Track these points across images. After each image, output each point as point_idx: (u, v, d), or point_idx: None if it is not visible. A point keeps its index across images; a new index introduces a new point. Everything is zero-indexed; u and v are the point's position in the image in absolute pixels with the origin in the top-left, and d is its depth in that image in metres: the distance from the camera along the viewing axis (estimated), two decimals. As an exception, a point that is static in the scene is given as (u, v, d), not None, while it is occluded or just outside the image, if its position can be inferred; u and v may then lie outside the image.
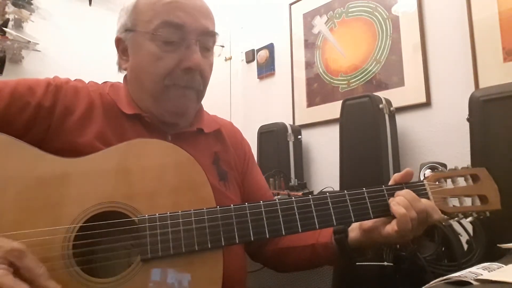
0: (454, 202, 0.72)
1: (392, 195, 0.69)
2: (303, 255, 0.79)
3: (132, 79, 0.77)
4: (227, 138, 0.87)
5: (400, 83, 1.95)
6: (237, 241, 0.61)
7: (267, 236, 0.63)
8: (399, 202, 0.66)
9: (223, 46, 0.82)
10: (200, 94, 0.78)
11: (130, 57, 0.76)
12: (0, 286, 0.44)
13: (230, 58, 2.91)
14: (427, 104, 1.85)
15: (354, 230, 0.72)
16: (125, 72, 0.81)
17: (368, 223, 0.69)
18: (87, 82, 0.78)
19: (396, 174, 0.73)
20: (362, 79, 2.13)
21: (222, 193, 0.76)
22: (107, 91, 0.77)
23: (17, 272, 0.47)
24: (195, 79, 0.74)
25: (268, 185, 0.97)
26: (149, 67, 0.72)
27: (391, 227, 0.66)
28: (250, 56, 2.82)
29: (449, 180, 0.74)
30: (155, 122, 0.75)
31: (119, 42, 0.78)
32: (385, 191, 0.70)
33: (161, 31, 0.71)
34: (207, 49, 0.76)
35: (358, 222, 0.71)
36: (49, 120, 0.67)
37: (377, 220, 0.69)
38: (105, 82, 0.81)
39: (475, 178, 0.74)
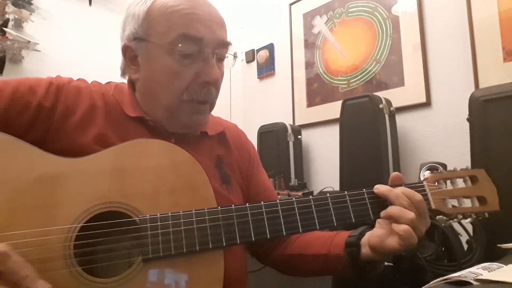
0: (453, 203, 0.73)
1: None
2: (315, 264, 0.78)
3: (144, 90, 0.75)
4: (231, 141, 0.86)
5: (400, 83, 1.95)
6: (238, 242, 0.61)
7: (268, 236, 0.63)
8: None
9: (236, 56, 0.79)
10: (213, 106, 0.78)
11: (142, 68, 0.73)
12: None
13: (230, 58, 2.91)
14: (427, 104, 1.85)
15: (365, 246, 0.70)
16: (127, 76, 0.81)
17: (373, 239, 0.67)
18: (89, 82, 0.77)
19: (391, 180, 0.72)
20: (362, 79, 2.13)
21: (224, 197, 0.76)
22: (111, 92, 0.76)
23: (2, 276, 0.46)
24: (211, 92, 0.73)
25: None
26: (166, 82, 0.71)
27: (395, 241, 0.64)
28: (250, 56, 2.82)
29: (448, 182, 0.74)
30: (159, 126, 0.75)
31: (126, 50, 0.74)
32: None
33: (180, 46, 0.68)
34: (220, 60, 0.75)
35: (367, 238, 0.70)
36: (50, 121, 0.67)
37: (381, 235, 0.66)
38: (108, 83, 0.80)
39: (473, 179, 0.74)
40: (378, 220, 0.69)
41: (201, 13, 0.70)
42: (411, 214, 0.63)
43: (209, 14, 0.71)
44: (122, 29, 0.76)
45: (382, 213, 0.67)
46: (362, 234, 0.72)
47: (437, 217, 0.73)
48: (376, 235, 0.67)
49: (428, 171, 0.91)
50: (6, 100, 0.64)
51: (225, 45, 0.74)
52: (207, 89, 0.72)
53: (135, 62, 0.74)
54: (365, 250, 0.70)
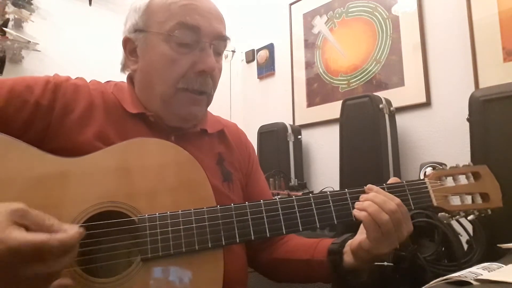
0: (455, 200, 0.72)
1: (394, 193, 0.68)
2: (298, 269, 0.78)
3: (141, 81, 0.76)
4: (231, 139, 0.86)
5: (400, 83, 1.95)
6: (237, 241, 0.61)
7: (268, 235, 0.63)
8: (363, 207, 0.64)
9: (234, 51, 0.81)
10: (210, 98, 0.78)
11: (140, 58, 0.75)
12: (19, 244, 0.43)
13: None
14: (427, 104, 1.85)
15: (348, 253, 0.70)
16: (128, 72, 0.81)
17: (354, 243, 0.68)
18: (88, 81, 0.77)
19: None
20: (362, 79, 2.13)
21: (225, 195, 0.76)
22: (111, 90, 0.76)
23: (27, 230, 0.46)
24: (207, 83, 0.74)
25: (268, 185, 0.97)
26: (162, 69, 0.71)
27: (363, 235, 0.65)
28: (250, 56, 2.82)
29: (450, 178, 0.74)
30: (159, 122, 0.75)
31: (127, 42, 0.76)
32: (386, 189, 0.70)
33: (177, 32, 0.70)
34: (218, 54, 0.76)
35: (349, 245, 0.70)
36: (48, 119, 0.66)
37: (362, 238, 0.66)
38: (108, 81, 0.80)
39: (476, 175, 0.74)
40: (361, 226, 0.68)
41: (200, 5, 0.72)
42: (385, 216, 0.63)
43: (207, 7, 0.73)
44: (124, 24, 0.77)
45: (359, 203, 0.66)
46: (344, 242, 0.72)
47: (439, 214, 0.73)
48: (357, 240, 0.67)
49: (430, 168, 0.90)
50: (3, 99, 0.64)
51: (223, 38, 0.75)
52: (203, 79, 0.73)
53: (134, 54, 0.76)
54: (348, 258, 0.70)
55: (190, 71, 0.72)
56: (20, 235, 0.44)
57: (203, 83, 0.73)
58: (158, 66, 0.72)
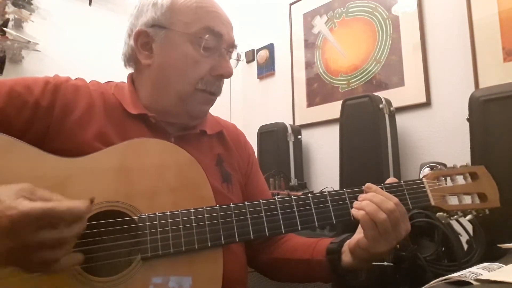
0: (453, 200, 0.73)
1: (392, 193, 0.68)
2: (297, 269, 0.79)
3: (156, 76, 0.76)
4: (230, 140, 0.86)
5: (400, 83, 1.95)
6: (237, 240, 0.62)
7: (267, 234, 0.63)
8: (361, 206, 0.64)
9: (239, 60, 0.84)
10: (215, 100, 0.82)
11: (157, 54, 0.75)
12: (30, 209, 0.44)
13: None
14: (427, 104, 1.85)
15: (346, 253, 0.71)
16: (131, 66, 0.80)
17: (352, 242, 0.68)
18: (88, 81, 0.77)
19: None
20: (362, 79, 2.13)
21: (224, 196, 0.76)
22: (112, 91, 0.76)
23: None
24: (221, 86, 0.78)
25: (268, 185, 0.97)
26: (184, 68, 0.73)
27: (361, 234, 0.65)
28: (250, 56, 2.82)
29: (448, 178, 0.74)
30: (159, 123, 0.75)
31: (140, 35, 0.75)
32: (384, 189, 0.70)
33: (207, 36, 0.73)
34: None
35: (347, 244, 0.70)
36: (48, 119, 0.66)
37: (360, 238, 0.67)
38: (108, 82, 0.80)
39: (474, 176, 0.74)
40: (359, 226, 0.69)
41: (221, 13, 0.77)
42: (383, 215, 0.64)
43: (226, 17, 0.78)
44: (135, 16, 0.78)
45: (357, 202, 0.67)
46: (343, 242, 0.72)
47: (437, 214, 0.73)
48: (355, 239, 0.68)
49: (428, 168, 0.91)
50: (3, 99, 0.64)
51: (235, 46, 0.80)
52: (220, 82, 0.78)
53: (147, 48, 0.76)
54: (346, 258, 0.70)
55: (209, 74, 0.75)
56: (30, 203, 0.45)
57: (219, 86, 0.78)
58: (180, 65, 0.74)
